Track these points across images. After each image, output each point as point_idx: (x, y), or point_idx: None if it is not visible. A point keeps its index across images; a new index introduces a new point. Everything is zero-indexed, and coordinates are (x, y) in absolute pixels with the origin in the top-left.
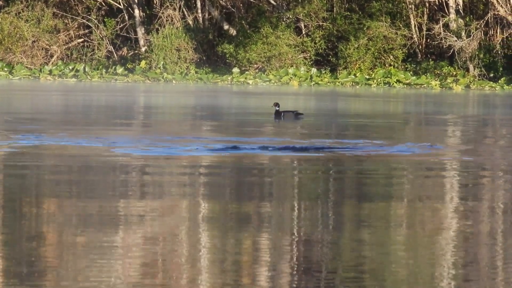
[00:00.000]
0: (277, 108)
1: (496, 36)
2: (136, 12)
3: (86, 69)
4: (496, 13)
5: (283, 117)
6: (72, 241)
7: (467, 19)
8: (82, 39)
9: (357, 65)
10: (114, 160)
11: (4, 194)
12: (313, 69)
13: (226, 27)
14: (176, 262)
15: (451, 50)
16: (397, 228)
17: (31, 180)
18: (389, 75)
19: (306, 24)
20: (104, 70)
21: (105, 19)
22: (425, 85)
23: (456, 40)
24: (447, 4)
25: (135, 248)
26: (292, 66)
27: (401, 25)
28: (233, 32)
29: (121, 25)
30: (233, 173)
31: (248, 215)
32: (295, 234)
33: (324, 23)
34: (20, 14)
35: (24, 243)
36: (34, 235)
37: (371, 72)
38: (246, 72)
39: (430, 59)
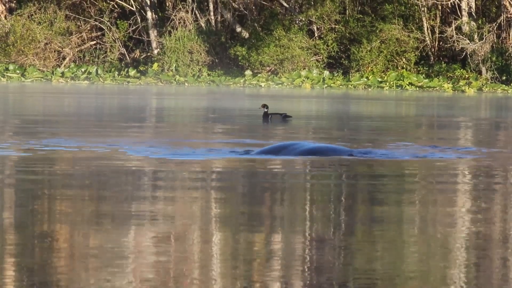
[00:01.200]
0: (266, 110)
1: (509, 39)
2: (149, 14)
3: (99, 72)
4: (509, 15)
5: (271, 120)
6: (84, 245)
7: (480, 22)
8: (94, 42)
9: (370, 67)
10: (126, 165)
11: (16, 200)
12: (325, 71)
13: (238, 29)
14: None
15: (464, 53)
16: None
17: (42, 185)
18: (401, 78)
19: (318, 26)
20: (116, 73)
21: (118, 22)
22: (437, 88)
23: (468, 43)
24: (459, 7)
25: (149, 250)
26: (304, 68)
27: (413, 27)
28: (245, 34)
29: (134, 27)
30: (248, 179)
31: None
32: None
33: (336, 26)
34: (33, 17)
35: (36, 250)
36: (45, 243)
37: (384, 75)
38: (259, 75)
39: (443, 62)
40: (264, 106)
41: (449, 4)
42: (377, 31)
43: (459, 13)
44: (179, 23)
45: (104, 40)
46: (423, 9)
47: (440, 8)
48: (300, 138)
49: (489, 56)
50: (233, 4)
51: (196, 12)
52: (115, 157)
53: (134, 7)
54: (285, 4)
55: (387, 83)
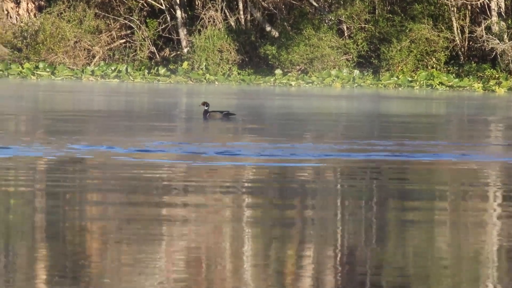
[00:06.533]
0: (206, 108)
1: None
2: (178, 13)
3: (129, 70)
4: None
5: (209, 117)
6: (115, 247)
7: (509, 21)
8: (124, 40)
9: (400, 67)
10: (154, 171)
11: (46, 202)
12: (355, 71)
13: (268, 28)
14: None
15: (494, 53)
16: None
17: (70, 187)
18: (431, 78)
19: (348, 26)
20: (146, 71)
21: (147, 20)
22: (467, 88)
23: (498, 43)
24: (489, 7)
25: (178, 255)
26: (334, 68)
27: (443, 27)
28: (275, 33)
29: (163, 26)
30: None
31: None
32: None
33: (366, 25)
34: (62, 15)
35: (69, 257)
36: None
37: (414, 74)
38: (289, 74)
39: (473, 62)
40: (204, 104)
41: (479, 4)
42: (407, 30)
43: (488, 13)
44: (208, 21)
45: (133, 39)
46: (452, 9)
47: (469, 8)
48: (327, 135)
49: None
50: (263, 3)
51: (226, 11)
52: (146, 158)
53: (164, 5)
54: (314, 4)
55: (417, 83)
